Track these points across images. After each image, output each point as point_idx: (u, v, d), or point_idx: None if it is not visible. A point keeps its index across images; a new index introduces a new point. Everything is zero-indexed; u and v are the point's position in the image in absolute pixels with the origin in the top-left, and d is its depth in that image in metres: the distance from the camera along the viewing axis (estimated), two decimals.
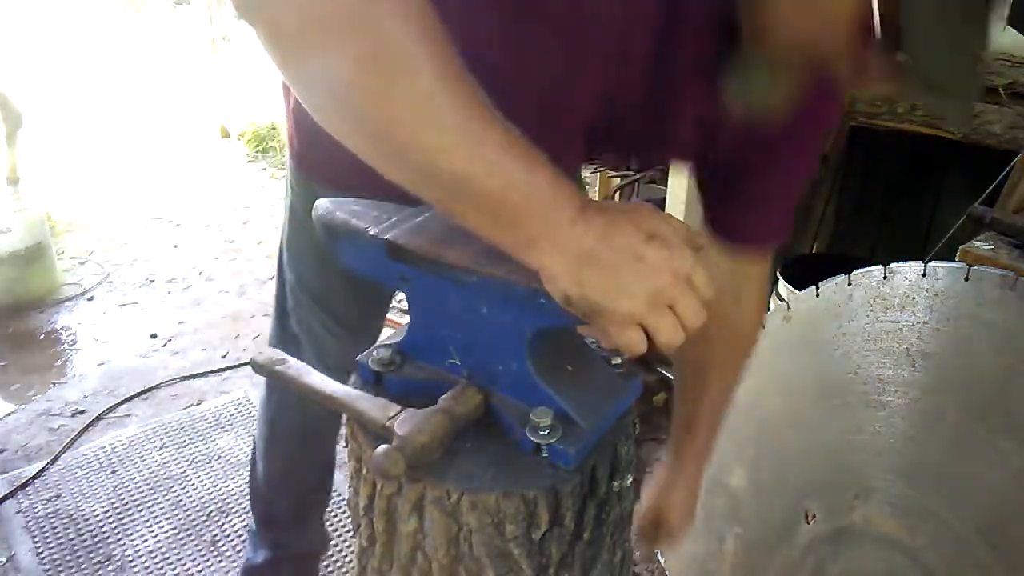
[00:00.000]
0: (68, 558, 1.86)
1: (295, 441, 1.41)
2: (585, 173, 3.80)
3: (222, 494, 2.06)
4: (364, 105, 0.59)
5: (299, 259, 1.20)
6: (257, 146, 4.59)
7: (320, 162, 1.02)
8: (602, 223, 0.61)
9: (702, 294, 0.62)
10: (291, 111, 1.06)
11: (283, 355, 0.82)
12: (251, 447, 1.51)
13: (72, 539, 1.91)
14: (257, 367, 0.82)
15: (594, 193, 3.80)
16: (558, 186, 0.61)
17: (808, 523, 1.27)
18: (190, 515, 1.99)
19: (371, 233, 0.74)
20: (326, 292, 1.19)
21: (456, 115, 0.58)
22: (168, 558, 1.86)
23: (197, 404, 2.46)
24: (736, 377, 1.10)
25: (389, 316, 1.20)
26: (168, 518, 1.98)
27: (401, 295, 0.80)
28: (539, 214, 0.61)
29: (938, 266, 1.13)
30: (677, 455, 1.10)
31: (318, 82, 0.60)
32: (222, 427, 2.33)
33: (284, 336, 1.29)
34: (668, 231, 0.62)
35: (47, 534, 1.93)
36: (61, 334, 2.83)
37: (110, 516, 1.99)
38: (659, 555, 1.58)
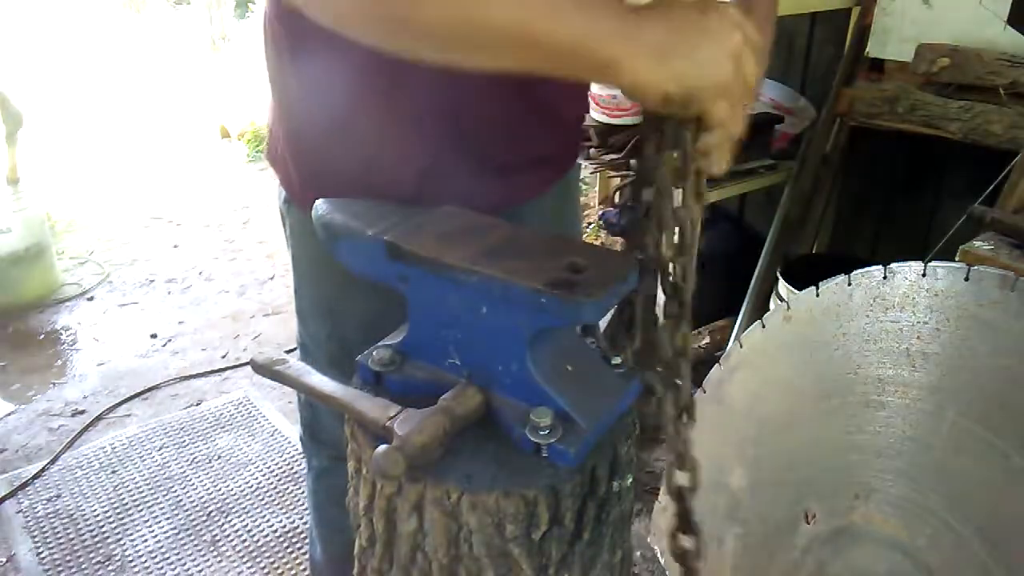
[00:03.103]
0: (68, 558, 1.86)
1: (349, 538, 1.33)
2: (585, 173, 3.80)
3: (222, 494, 2.06)
4: None
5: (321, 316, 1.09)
6: (257, 146, 4.58)
7: (326, 189, 0.94)
8: (657, 14, 0.64)
9: (756, 43, 0.65)
10: (287, 146, 0.99)
11: (283, 355, 0.82)
12: (305, 523, 1.41)
13: (72, 539, 1.91)
14: (257, 367, 0.82)
15: (594, 193, 3.79)
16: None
17: (808, 523, 1.27)
18: (190, 515, 1.99)
19: (371, 233, 0.74)
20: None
21: None
22: (168, 558, 1.86)
23: (197, 404, 2.46)
24: None
25: None
26: (168, 518, 1.98)
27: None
28: (610, 36, 0.62)
29: (938, 266, 1.13)
30: None
31: None
32: (222, 427, 2.33)
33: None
34: (723, 9, 0.64)
35: (47, 534, 1.93)
36: (61, 334, 2.83)
37: (110, 516, 1.99)
38: (659, 555, 1.58)
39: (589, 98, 1.19)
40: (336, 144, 0.93)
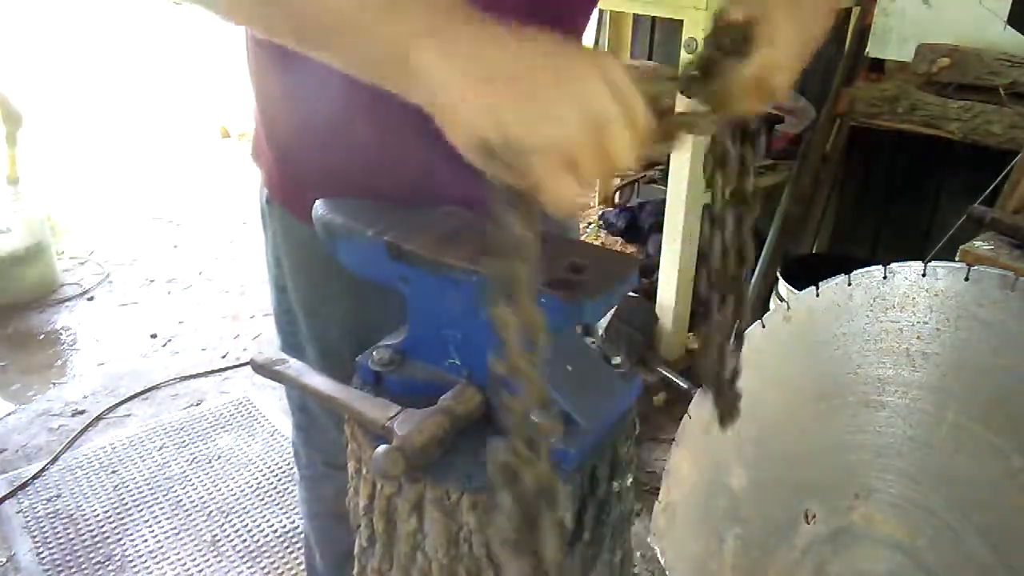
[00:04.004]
0: (68, 558, 1.86)
1: (343, 543, 1.31)
2: None
3: (222, 494, 2.06)
4: None
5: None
6: None
7: (307, 188, 0.93)
8: (507, 31, 0.49)
9: (640, 125, 0.50)
10: (268, 145, 0.98)
11: (283, 355, 0.82)
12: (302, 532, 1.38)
13: (72, 539, 1.91)
14: (257, 367, 0.82)
15: (594, 193, 3.79)
16: None
17: (808, 523, 1.27)
18: (190, 515, 1.99)
19: (371, 233, 0.74)
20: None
21: None
22: (168, 558, 1.86)
23: (197, 404, 2.46)
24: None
25: None
26: (168, 518, 1.98)
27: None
28: (428, 44, 0.48)
29: (938, 266, 1.13)
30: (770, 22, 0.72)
31: None
32: (222, 427, 2.33)
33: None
34: (589, 51, 0.51)
35: (47, 534, 1.93)
36: (61, 334, 2.83)
37: (110, 516, 1.99)
38: (659, 555, 1.58)
39: None
40: (317, 143, 0.91)
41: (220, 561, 1.86)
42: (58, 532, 1.93)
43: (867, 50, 2.28)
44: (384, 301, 1.00)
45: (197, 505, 2.02)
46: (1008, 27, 1.99)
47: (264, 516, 1.99)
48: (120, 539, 1.91)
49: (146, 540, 1.91)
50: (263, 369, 0.81)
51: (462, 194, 0.79)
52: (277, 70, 0.90)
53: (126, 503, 2.03)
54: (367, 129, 0.88)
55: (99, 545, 1.89)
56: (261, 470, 2.15)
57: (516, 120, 0.48)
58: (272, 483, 2.10)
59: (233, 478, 2.12)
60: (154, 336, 2.83)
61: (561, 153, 0.48)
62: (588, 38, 3.64)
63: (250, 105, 0.99)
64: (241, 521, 1.97)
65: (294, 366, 0.80)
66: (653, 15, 2.94)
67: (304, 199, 0.94)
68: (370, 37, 0.52)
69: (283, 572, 1.83)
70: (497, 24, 0.50)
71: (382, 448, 0.64)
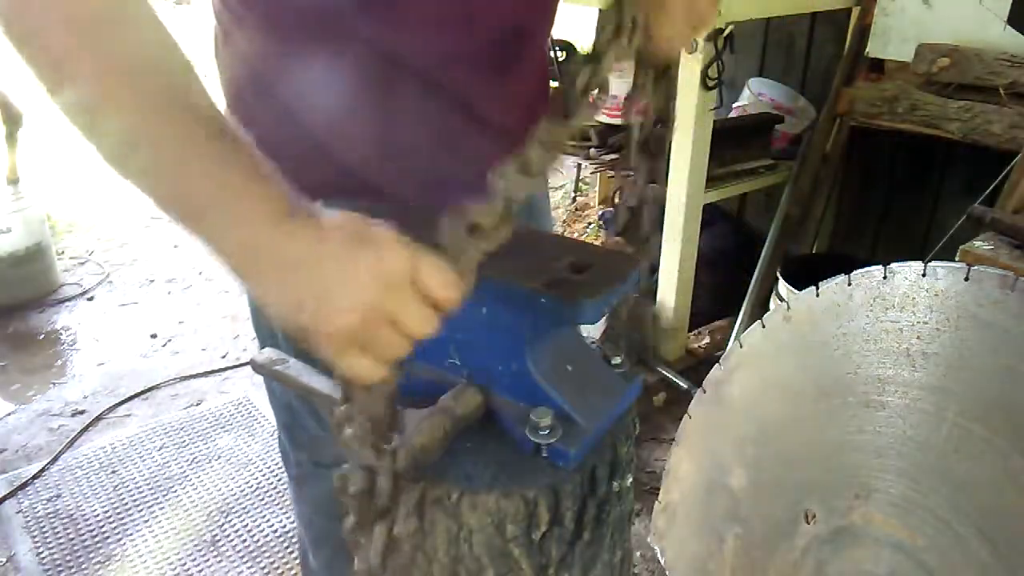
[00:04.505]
0: (68, 558, 1.86)
1: (335, 541, 1.31)
2: (585, 173, 3.80)
3: (222, 494, 2.06)
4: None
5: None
6: None
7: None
8: (313, 227, 0.56)
9: (434, 294, 0.56)
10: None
11: (283, 355, 0.82)
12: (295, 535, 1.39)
13: (72, 539, 1.91)
14: (257, 367, 0.82)
15: (594, 193, 3.80)
16: (261, 184, 0.56)
17: (808, 523, 1.27)
18: (190, 515, 1.99)
19: None
20: None
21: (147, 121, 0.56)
22: (168, 558, 1.86)
23: (197, 404, 2.46)
24: None
25: None
26: (168, 518, 1.98)
27: None
28: (238, 214, 0.55)
29: (938, 266, 1.12)
30: None
31: None
32: (222, 427, 2.33)
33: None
34: (381, 234, 0.56)
35: (47, 534, 1.93)
36: (61, 334, 2.83)
37: (110, 516, 1.99)
38: (659, 555, 1.58)
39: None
40: (276, 148, 0.92)
41: (220, 561, 1.86)
42: (58, 532, 1.93)
43: (867, 50, 2.28)
44: None
45: (197, 505, 2.02)
46: (1008, 27, 1.99)
47: (264, 516, 1.99)
48: (120, 539, 1.91)
49: (146, 540, 1.91)
50: (263, 369, 0.81)
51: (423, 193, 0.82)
52: (240, 75, 0.89)
53: (126, 503, 2.03)
54: (297, 129, 0.87)
55: (99, 545, 1.90)
56: (261, 470, 2.15)
57: (303, 306, 0.55)
58: (272, 483, 2.10)
59: (233, 478, 2.12)
60: (154, 336, 2.83)
61: (343, 337, 0.55)
62: (588, 41, 3.64)
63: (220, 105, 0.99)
64: (241, 521, 1.97)
65: (294, 366, 0.80)
66: None
67: None
68: (203, 235, 0.57)
69: (283, 572, 1.83)
70: (302, 218, 0.56)
71: None
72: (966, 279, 1.09)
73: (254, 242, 0.56)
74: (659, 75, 0.77)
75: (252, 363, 0.84)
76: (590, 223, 3.23)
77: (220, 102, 0.94)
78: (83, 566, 1.84)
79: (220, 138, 0.57)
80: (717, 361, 1.42)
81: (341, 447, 0.64)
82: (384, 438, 0.63)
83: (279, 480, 2.11)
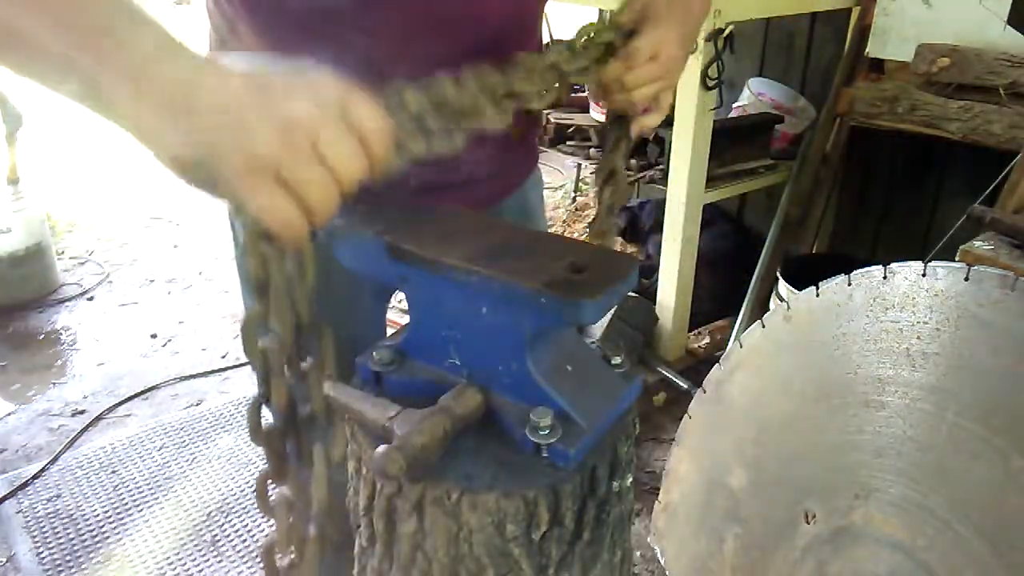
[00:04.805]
0: (68, 558, 1.86)
1: (333, 540, 1.30)
2: (585, 173, 3.79)
3: (222, 494, 2.06)
4: None
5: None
6: None
7: None
8: (200, 55, 0.48)
9: (364, 124, 0.48)
10: None
11: None
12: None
13: (72, 539, 1.91)
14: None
15: (594, 193, 3.79)
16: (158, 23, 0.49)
17: (808, 523, 1.27)
18: (190, 515, 1.99)
19: (371, 233, 0.74)
20: None
21: None
22: (168, 558, 1.86)
23: (197, 404, 2.46)
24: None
25: (389, 316, 1.19)
26: (168, 518, 1.98)
27: (401, 295, 0.80)
28: (109, 50, 0.47)
29: (938, 266, 1.12)
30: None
31: None
32: (222, 427, 2.33)
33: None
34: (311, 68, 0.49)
35: (47, 534, 1.93)
36: (61, 334, 2.83)
37: (110, 516, 1.99)
38: (659, 555, 1.58)
39: (538, 124, 1.15)
40: None
41: (220, 561, 1.86)
42: (58, 532, 1.93)
43: (867, 50, 2.28)
44: (355, 305, 0.99)
45: (197, 505, 2.02)
46: (1008, 27, 1.99)
47: (264, 516, 1.99)
48: (120, 539, 1.91)
49: (146, 540, 1.91)
50: None
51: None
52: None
53: (126, 503, 2.03)
54: None
55: (99, 545, 1.90)
56: (261, 470, 2.15)
57: (205, 135, 0.47)
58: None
59: (233, 478, 2.12)
60: (154, 336, 2.83)
61: (259, 165, 0.46)
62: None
63: None
64: (241, 521, 1.97)
65: None
66: None
67: None
68: (67, 63, 0.49)
69: None
70: (213, 62, 0.49)
71: (381, 448, 0.64)
72: (966, 279, 1.09)
73: (154, 64, 0.48)
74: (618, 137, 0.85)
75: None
76: (590, 223, 3.23)
77: None
78: (83, 566, 1.84)
79: None
80: (717, 361, 1.42)
81: (251, 362, 0.58)
82: (298, 351, 0.55)
83: None
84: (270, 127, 0.46)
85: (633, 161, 2.51)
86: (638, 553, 1.86)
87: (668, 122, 2.29)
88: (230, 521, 1.98)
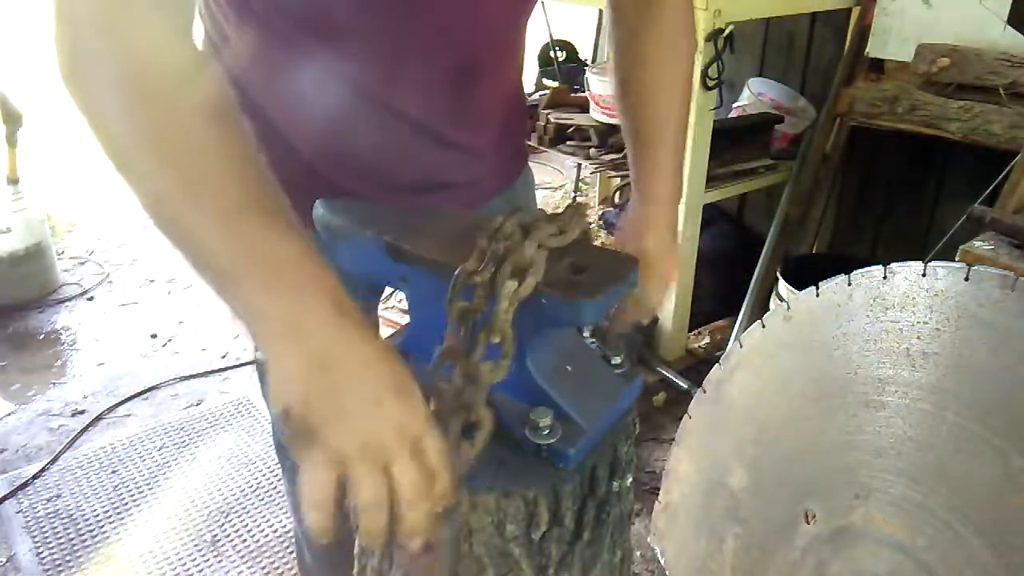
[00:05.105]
0: (68, 558, 1.86)
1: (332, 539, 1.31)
2: (585, 173, 3.79)
3: (222, 494, 2.06)
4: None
5: None
6: None
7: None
8: (358, 337, 0.56)
9: (431, 466, 0.55)
10: None
11: None
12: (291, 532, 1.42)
13: (72, 539, 1.91)
14: (261, 364, 0.82)
15: (594, 193, 3.79)
16: (313, 267, 0.57)
17: (808, 523, 1.27)
18: (190, 515, 1.99)
19: (371, 233, 0.74)
20: None
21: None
22: (168, 558, 1.86)
23: (197, 404, 2.46)
24: (687, 89, 0.96)
25: (389, 316, 1.19)
26: (168, 518, 1.98)
27: (401, 295, 0.80)
28: (286, 288, 0.56)
29: (938, 266, 1.12)
30: (645, 197, 0.95)
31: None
32: (222, 427, 2.33)
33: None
34: (413, 388, 0.56)
35: (47, 534, 1.93)
36: (61, 334, 2.83)
37: (110, 516, 1.99)
38: (659, 555, 1.58)
39: (525, 124, 1.18)
40: (274, 151, 0.93)
41: (220, 561, 1.86)
42: (58, 532, 1.93)
43: (867, 50, 2.28)
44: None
45: (197, 505, 2.02)
46: (1008, 27, 1.99)
47: (264, 516, 1.99)
48: (120, 539, 1.91)
49: (146, 540, 1.91)
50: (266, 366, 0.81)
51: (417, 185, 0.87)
52: (235, 81, 0.91)
53: (126, 503, 2.03)
54: (311, 143, 0.89)
55: (99, 545, 1.89)
56: (261, 470, 2.15)
57: (319, 407, 0.54)
58: (272, 483, 2.10)
59: (233, 478, 2.12)
60: (154, 336, 2.83)
61: (333, 452, 0.53)
62: (588, 41, 3.65)
63: None
64: (241, 521, 1.97)
65: None
66: None
67: None
68: (239, 302, 0.58)
69: (283, 572, 1.83)
70: (349, 319, 0.57)
71: None
72: (966, 279, 1.09)
73: (299, 318, 0.56)
74: None
75: (255, 361, 0.84)
76: (590, 223, 3.23)
77: None
78: (83, 566, 1.84)
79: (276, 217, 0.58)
80: (717, 361, 1.42)
81: None
82: None
83: (279, 480, 2.11)
84: (355, 431, 0.53)
85: None
86: (638, 553, 1.86)
87: None
88: (230, 521, 1.98)
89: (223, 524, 1.97)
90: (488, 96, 0.95)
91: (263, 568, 1.84)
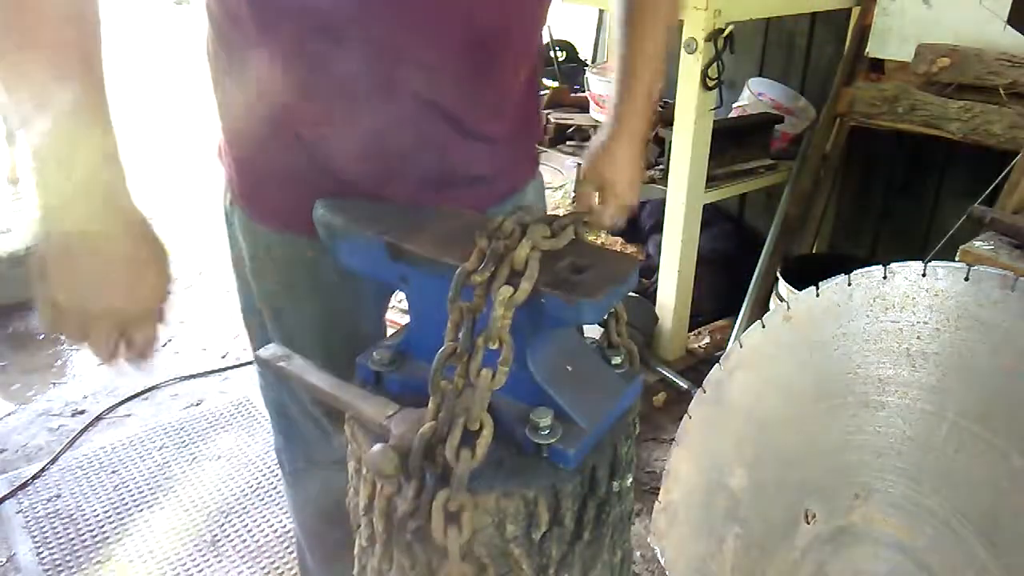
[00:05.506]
0: (68, 558, 1.86)
1: (331, 540, 1.28)
2: None
3: (222, 494, 2.06)
4: None
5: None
6: None
7: (262, 191, 0.98)
8: (125, 207, 0.69)
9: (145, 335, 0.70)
10: (227, 148, 1.00)
11: (287, 351, 0.82)
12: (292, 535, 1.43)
13: (72, 539, 1.91)
14: (262, 362, 0.82)
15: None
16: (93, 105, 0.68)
17: (808, 523, 1.27)
18: (190, 515, 1.99)
19: (371, 233, 0.74)
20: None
21: None
22: (168, 558, 1.86)
23: (197, 404, 2.46)
24: (666, 25, 1.07)
25: (389, 316, 1.19)
26: (168, 518, 1.98)
27: (401, 295, 0.80)
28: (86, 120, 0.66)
29: (938, 266, 1.12)
30: (617, 117, 1.07)
31: None
32: (222, 427, 2.33)
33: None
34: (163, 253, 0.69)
35: (47, 534, 1.93)
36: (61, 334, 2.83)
37: (110, 516, 1.99)
38: (659, 555, 1.58)
39: (540, 116, 1.21)
40: (265, 148, 0.93)
41: (220, 561, 1.86)
42: (58, 532, 1.93)
43: (867, 50, 2.28)
44: (356, 304, 1.00)
45: (197, 505, 2.02)
46: (1008, 27, 1.99)
47: (264, 516, 1.99)
48: (120, 539, 1.91)
49: (146, 540, 1.91)
50: (267, 364, 0.81)
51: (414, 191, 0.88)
52: (233, 78, 0.90)
53: (126, 503, 2.03)
54: (291, 137, 0.89)
55: (99, 545, 1.89)
56: (261, 470, 2.15)
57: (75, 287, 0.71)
58: (272, 483, 2.10)
59: (233, 478, 2.12)
60: None
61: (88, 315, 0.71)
62: (588, 41, 3.65)
63: (213, 107, 1.00)
64: (241, 521, 1.97)
65: (296, 363, 0.80)
66: None
67: (263, 202, 0.96)
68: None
69: (283, 572, 1.83)
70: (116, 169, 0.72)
71: (377, 446, 0.65)
72: (966, 279, 1.09)
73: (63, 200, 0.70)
74: None
75: (256, 358, 0.84)
76: (587, 231, 3.23)
77: (211, 103, 0.96)
78: (83, 566, 1.84)
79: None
80: (717, 361, 1.42)
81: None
82: None
83: (279, 480, 2.11)
84: (101, 310, 0.71)
85: None
86: (638, 553, 1.86)
87: (668, 122, 2.29)
88: (230, 521, 1.98)
89: (223, 524, 1.97)
90: (505, 79, 0.94)
91: (263, 568, 1.84)
